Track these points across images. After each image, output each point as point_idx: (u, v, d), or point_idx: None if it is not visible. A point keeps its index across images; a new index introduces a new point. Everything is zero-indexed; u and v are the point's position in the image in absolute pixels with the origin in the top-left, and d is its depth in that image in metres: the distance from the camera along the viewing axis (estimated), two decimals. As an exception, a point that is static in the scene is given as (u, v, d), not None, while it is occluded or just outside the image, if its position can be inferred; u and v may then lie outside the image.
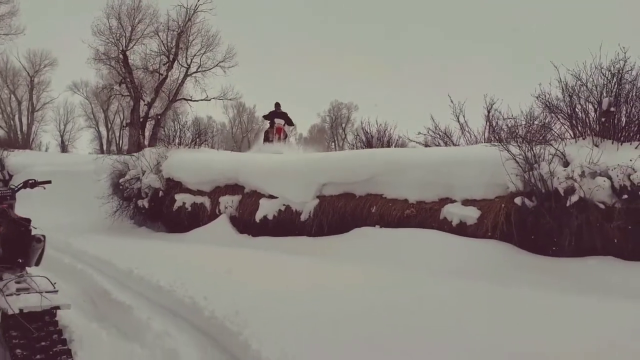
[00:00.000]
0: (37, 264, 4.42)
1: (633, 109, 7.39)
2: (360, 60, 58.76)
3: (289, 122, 17.40)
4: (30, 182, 5.07)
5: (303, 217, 9.65)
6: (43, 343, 3.56)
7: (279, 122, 16.87)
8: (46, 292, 3.81)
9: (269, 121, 17.36)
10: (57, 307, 3.71)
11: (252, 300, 5.04)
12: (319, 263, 7.30)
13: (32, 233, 4.28)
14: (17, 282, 3.94)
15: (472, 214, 7.83)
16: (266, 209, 10.12)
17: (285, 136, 17.29)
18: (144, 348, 4.06)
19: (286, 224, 9.83)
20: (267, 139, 16.96)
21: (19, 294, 3.72)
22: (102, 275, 6.47)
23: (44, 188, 5.23)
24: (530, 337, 3.90)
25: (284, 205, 9.96)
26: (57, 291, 3.89)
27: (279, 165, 10.46)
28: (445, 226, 8.04)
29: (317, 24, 64.31)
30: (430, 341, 3.82)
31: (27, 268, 4.32)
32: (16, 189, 4.87)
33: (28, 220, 4.26)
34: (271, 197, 10.18)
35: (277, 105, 17.39)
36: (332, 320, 4.41)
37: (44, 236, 4.37)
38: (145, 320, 4.70)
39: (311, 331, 4.20)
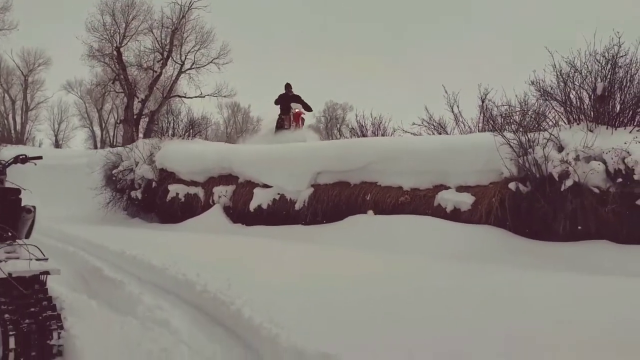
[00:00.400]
0: (27, 236, 4.36)
1: (627, 95, 7.39)
2: (359, 59, 58.74)
3: (307, 107, 14.32)
4: (21, 157, 4.98)
5: (297, 206, 9.63)
6: (32, 309, 3.50)
7: (296, 106, 13.88)
8: (36, 259, 3.75)
9: (279, 106, 14.37)
10: (47, 272, 3.65)
11: (244, 277, 5.02)
12: (311, 248, 7.28)
13: (22, 204, 4.23)
14: (7, 252, 3.88)
15: (466, 200, 7.84)
16: (260, 199, 10.08)
17: (303, 124, 14.31)
18: (136, 319, 4.00)
19: (280, 213, 9.80)
20: (281, 127, 14.00)
21: (7, 261, 3.66)
22: (94, 256, 6.41)
23: (35, 164, 5.14)
24: (522, 316, 3.84)
25: (278, 194, 9.94)
26: (47, 259, 3.83)
27: (273, 154, 10.41)
28: (439, 212, 8.03)
29: (315, 22, 64.20)
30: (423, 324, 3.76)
31: (17, 240, 4.25)
32: (7, 163, 4.80)
33: (18, 191, 4.19)
34: (265, 186, 10.15)
35: (288, 86, 14.31)
36: (320, 296, 4.42)
37: (34, 207, 4.31)
38: (136, 294, 4.65)
39: (301, 303, 4.21)
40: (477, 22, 56.58)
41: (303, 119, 14.19)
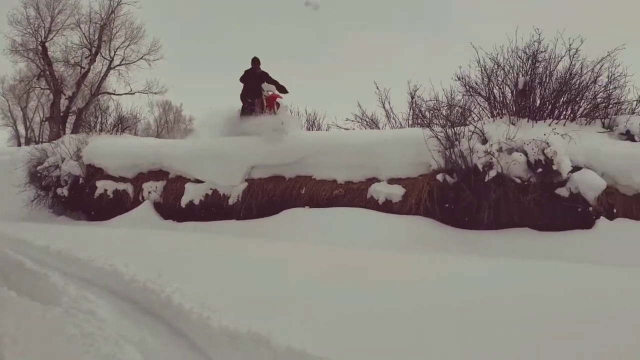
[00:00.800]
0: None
1: (546, 90, 7.81)
2: (294, 61, 58.54)
3: (281, 88, 10.69)
4: None
5: (231, 201, 9.55)
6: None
7: (268, 88, 10.50)
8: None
9: (244, 87, 10.91)
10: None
11: (175, 267, 4.94)
12: (245, 241, 7.23)
13: None
14: None
15: (397, 192, 8.05)
16: (192, 194, 9.93)
17: (278, 109, 10.65)
18: (59, 307, 3.86)
19: (213, 209, 9.69)
20: (250, 114, 10.58)
21: None
22: (15, 251, 6.09)
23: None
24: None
25: (210, 189, 9.82)
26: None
27: (205, 148, 10.25)
28: (372, 204, 8.21)
29: (253, 21, 63.16)
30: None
31: None
32: None
33: None
34: (197, 181, 10.00)
35: (256, 61, 10.82)
36: (251, 283, 4.42)
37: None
38: (61, 286, 4.47)
39: (232, 289, 4.21)
40: (406, 19, 57.35)
41: (278, 104, 10.59)
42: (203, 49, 59.29)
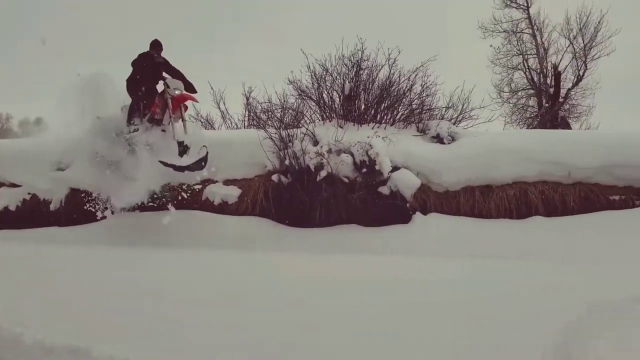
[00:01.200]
0: None
1: (370, 95, 8.44)
2: (116, 60, 54.88)
3: (190, 86, 7.57)
4: None
5: (53, 206, 8.84)
6: None
7: (175, 85, 7.34)
8: None
9: (137, 77, 7.63)
10: None
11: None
12: (62, 248, 6.81)
13: None
14: None
15: (233, 193, 8.12)
16: (7, 199, 9.00)
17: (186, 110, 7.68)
18: None
19: (33, 215, 8.87)
20: (143, 114, 7.70)
21: None
22: None
23: None
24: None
25: (29, 194, 9.00)
26: None
27: (20, 148, 9.35)
28: (208, 206, 8.17)
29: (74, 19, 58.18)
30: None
31: None
32: None
33: None
34: (13, 185, 9.10)
35: (156, 46, 7.66)
36: (65, 293, 4.27)
37: None
38: None
39: (46, 302, 4.01)
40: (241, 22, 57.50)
41: (186, 107, 7.68)
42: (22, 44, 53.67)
